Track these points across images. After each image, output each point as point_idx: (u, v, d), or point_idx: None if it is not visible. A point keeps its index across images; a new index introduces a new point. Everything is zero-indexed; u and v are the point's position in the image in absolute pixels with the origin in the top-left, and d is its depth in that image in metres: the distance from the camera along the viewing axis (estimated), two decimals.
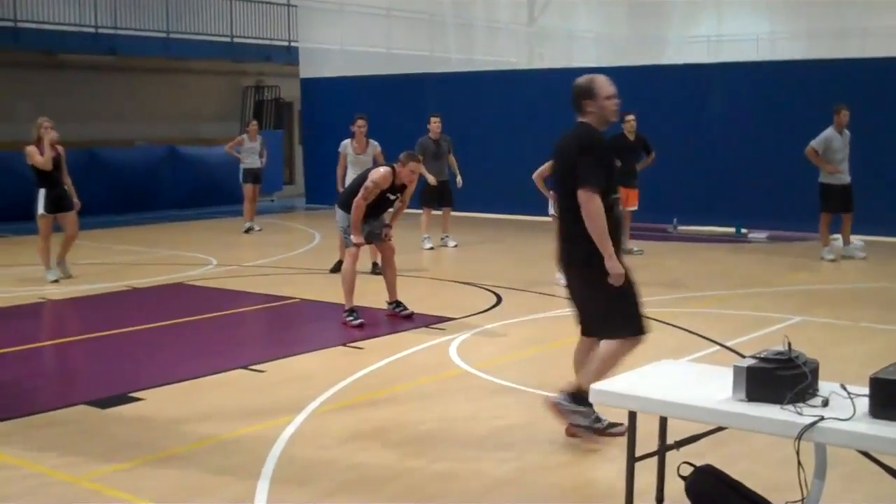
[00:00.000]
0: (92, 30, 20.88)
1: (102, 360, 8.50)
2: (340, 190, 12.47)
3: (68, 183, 11.81)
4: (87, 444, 5.98)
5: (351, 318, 9.32)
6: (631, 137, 13.64)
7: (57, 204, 11.65)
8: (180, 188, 21.41)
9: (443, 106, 16.39)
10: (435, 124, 14.71)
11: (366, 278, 12.03)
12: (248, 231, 17.14)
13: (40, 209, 11.57)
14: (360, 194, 9.24)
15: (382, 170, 9.38)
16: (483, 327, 9.22)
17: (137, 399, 6.95)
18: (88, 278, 12.16)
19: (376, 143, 12.45)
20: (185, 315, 10.02)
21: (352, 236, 9.33)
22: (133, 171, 20.42)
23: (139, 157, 21.24)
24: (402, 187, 9.49)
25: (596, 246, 5.60)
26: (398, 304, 9.65)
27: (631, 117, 13.51)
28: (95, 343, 9.01)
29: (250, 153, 17.47)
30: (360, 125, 12.38)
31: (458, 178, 14.77)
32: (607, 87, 5.90)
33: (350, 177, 12.39)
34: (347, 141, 12.50)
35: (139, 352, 8.71)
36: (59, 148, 11.74)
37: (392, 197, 9.49)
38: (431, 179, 14.12)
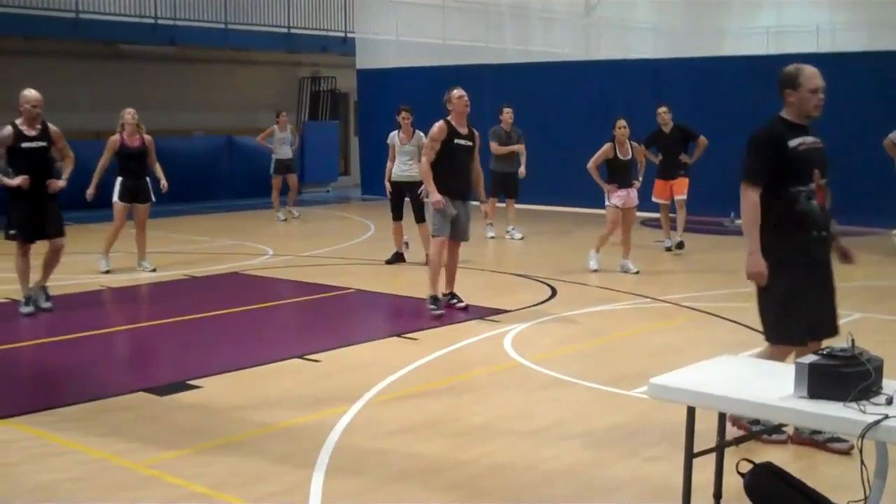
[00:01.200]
0: (151, 21, 21.10)
1: (161, 347, 8.60)
2: (387, 183, 12.52)
3: (158, 172, 11.93)
4: (147, 431, 6.05)
5: (433, 307, 9.32)
6: (666, 130, 13.30)
7: (133, 194, 11.81)
8: (237, 178, 21.60)
9: (498, 97, 16.36)
10: (507, 115, 14.84)
11: (403, 268, 12.07)
12: (282, 220, 17.38)
13: (115, 197, 11.76)
14: (423, 157, 9.42)
15: (436, 124, 9.37)
16: (538, 320, 9.19)
17: (195, 387, 7.02)
18: (133, 270, 12.31)
19: (422, 133, 12.43)
20: (242, 304, 10.10)
21: (430, 196, 9.33)
22: (191, 160, 20.63)
23: (198, 147, 21.45)
24: (470, 133, 9.36)
25: (766, 241, 5.45)
26: (453, 295, 9.64)
27: (663, 109, 13.27)
28: (154, 331, 9.12)
29: (282, 144, 17.70)
30: (404, 116, 12.37)
31: (522, 169, 14.73)
32: (814, 79, 5.54)
33: (398, 167, 12.43)
34: (395, 132, 12.52)
35: (197, 340, 8.80)
36: (147, 138, 11.89)
37: (465, 143, 9.37)
38: (498, 150, 14.62)
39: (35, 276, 9.47)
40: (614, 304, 10.08)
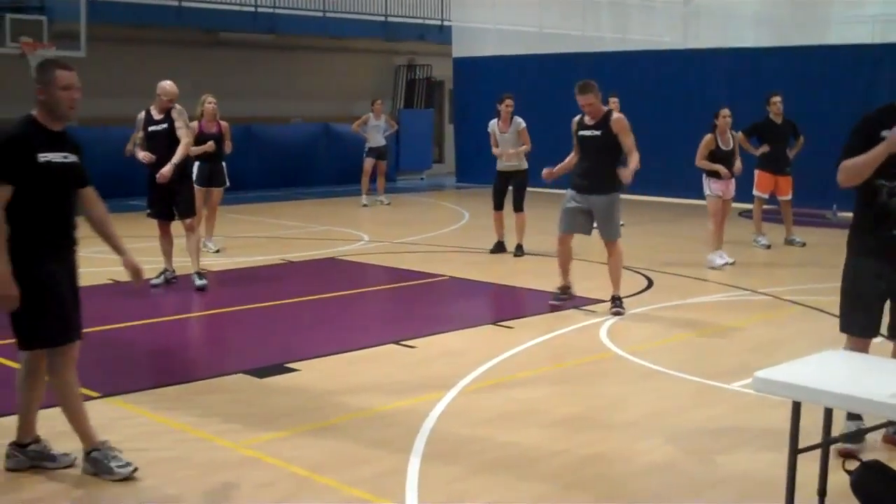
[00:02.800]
0: (252, 9, 21.41)
1: (259, 330, 8.72)
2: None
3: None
4: (246, 412, 6.15)
5: (558, 295, 9.23)
6: (777, 121, 12.94)
7: (208, 178, 12.04)
8: (334, 165, 21.80)
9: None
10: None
11: (501, 257, 12.06)
12: (364, 205, 17.50)
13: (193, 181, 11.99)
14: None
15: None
16: (634, 310, 9.09)
17: (293, 370, 7.12)
18: (245, 251, 12.53)
19: (521, 119, 12.35)
20: (338, 289, 10.21)
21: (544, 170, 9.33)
22: (289, 147, 20.92)
23: (295, 134, 21.72)
24: (604, 121, 8.89)
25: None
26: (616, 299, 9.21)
27: (778, 98, 12.87)
28: (251, 314, 9.26)
29: (375, 131, 17.84)
30: (507, 104, 12.30)
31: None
32: None
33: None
34: (494, 121, 12.46)
35: (294, 324, 8.91)
36: (223, 125, 12.10)
37: (590, 133, 8.97)
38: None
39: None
40: (712, 296, 9.92)
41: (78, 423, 5.11)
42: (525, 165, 12.40)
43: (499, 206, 12.47)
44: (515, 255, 12.12)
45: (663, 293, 9.91)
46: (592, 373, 7.21)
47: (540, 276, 10.69)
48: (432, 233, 14.47)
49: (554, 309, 9.06)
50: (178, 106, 9.93)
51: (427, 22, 24.63)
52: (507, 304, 9.55)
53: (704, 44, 20.64)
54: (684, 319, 8.94)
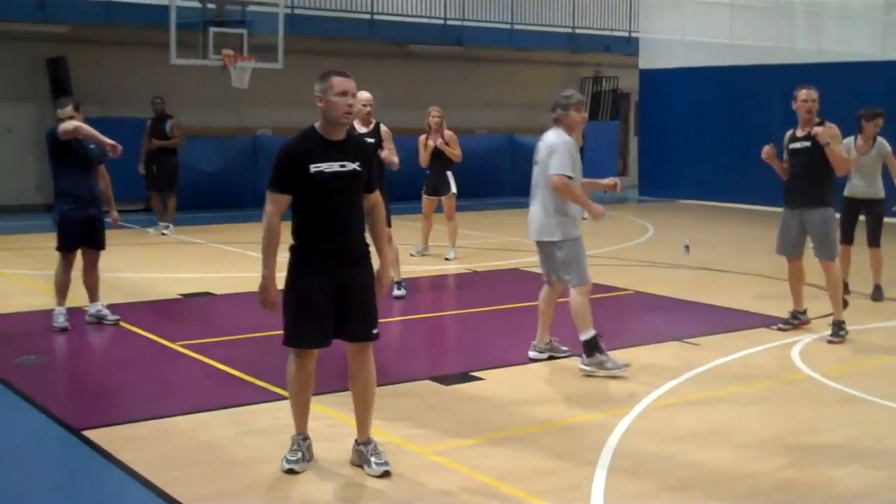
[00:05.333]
0: (441, 22, 21.76)
1: (444, 338, 8.86)
2: None
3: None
4: (432, 419, 6.26)
5: (788, 320, 8.89)
6: None
7: (434, 187, 12.45)
8: (518, 176, 21.81)
9: (788, 100, 15.70)
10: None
11: (697, 274, 11.81)
12: None
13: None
14: None
15: None
16: (828, 332, 8.73)
17: (478, 378, 7.19)
18: (429, 260, 12.74)
19: (884, 141, 10.53)
20: (521, 300, 10.23)
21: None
22: (474, 158, 21.04)
23: (480, 145, 21.89)
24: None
25: None
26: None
27: None
28: (437, 322, 9.41)
29: None
30: (878, 122, 10.48)
31: None
32: None
33: (856, 180, 10.46)
34: (850, 139, 10.44)
35: (478, 333, 9.00)
36: (448, 134, 12.54)
37: (803, 145, 8.59)
38: None
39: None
40: None
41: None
42: (881, 193, 10.47)
43: (847, 238, 10.41)
44: (874, 300, 10.38)
45: (860, 315, 9.50)
46: (784, 394, 7.00)
47: (726, 292, 10.47)
48: (616, 246, 14.35)
49: (781, 330, 8.79)
50: (383, 125, 9.76)
51: (614, 33, 24.45)
52: (693, 321, 9.37)
53: None
54: (883, 343, 8.58)
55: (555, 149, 7.23)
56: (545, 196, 7.34)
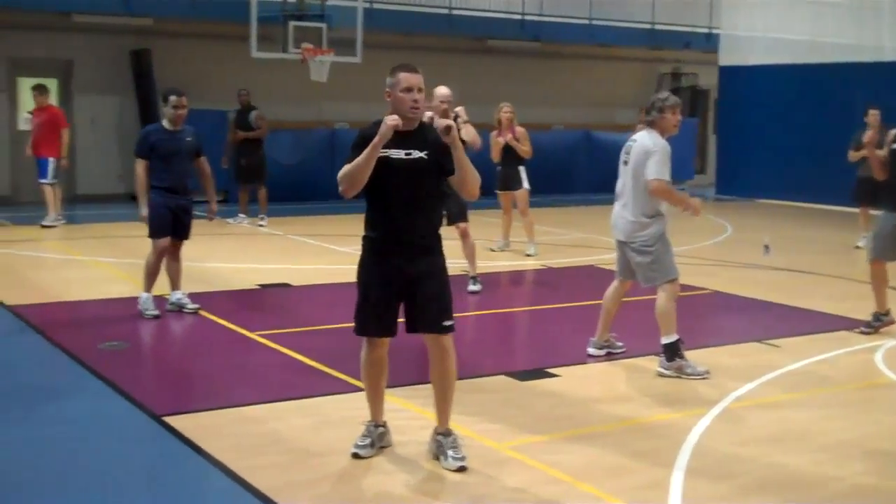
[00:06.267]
0: (519, 17, 21.70)
1: (519, 334, 8.84)
2: None
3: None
4: (508, 414, 6.25)
5: (870, 322, 8.67)
6: None
7: (505, 182, 12.52)
8: (594, 173, 21.75)
9: (873, 99, 15.37)
10: (873, 117, 12.76)
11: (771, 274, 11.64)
12: None
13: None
14: None
15: None
16: None
17: (553, 375, 7.16)
18: (507, 255, 12.73)
19: None
20: (597, 297, 10.10)
21: None
22: (550, 154, 21.02)
23: (556, 141, 21.81)
24: None
25: None
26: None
27: None
28: (512, 317, 9.39)
29: None
30: None
31: None
32: None
33: None
34: None
35: (554, 329, 8.97)
36: (518, 130, 12.53)
37: None
38: None
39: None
40: None
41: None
42: None
43: None
44: None
45: None
46: (867, 399, 6.86)
47: (806, 294, 10.30)
48: (694, 245, 14.16)
49: (864, 333, 8.60)
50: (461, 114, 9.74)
51: (694, 29, 24.15)
52: (773, 322, 9.21)
53: None
54: None
55: (651, 152, 7.16)
56: (634, 198, 7.29)
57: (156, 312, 8.74)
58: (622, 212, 7.41)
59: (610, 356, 7.68)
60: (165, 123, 8.84)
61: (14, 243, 13.11)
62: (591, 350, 7.72)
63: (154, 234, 8.80)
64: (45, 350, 7.78)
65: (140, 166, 8.70)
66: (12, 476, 5.19)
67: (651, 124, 7.29)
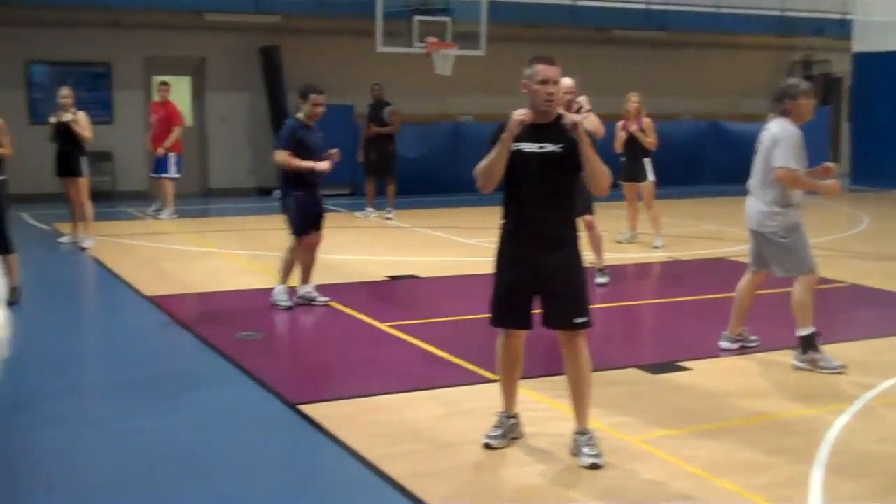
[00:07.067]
0: (644, 7, 21.41)
1: (650, 327, 8.75)
2: None
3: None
4: (640, 407, 6.20)
5: None
6: None
7: (629, 174, 12.54)
8: (722, 163, 21.35)
9: None
10: None
11: None
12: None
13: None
14: None
15: None
16: None
17: (685, 368, 7.07)
18: (634, 247, 12.61)
19: None
20: (727, 290, 9.92)
21: None
22: (677, 144, 20.69)
23: (683, 131, 21.45)
24: None
25: None
26: None
27: None
28: (642, 310, 9.30)
29: None
30: None
31: None
32: None
33: None
34: None
35: (684, 322, 8.86)
36: (644, 121, 12.45)
37: None
38: None
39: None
40: None
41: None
42: None
43: None
44: None
45: None
46: None
47: None
48: (829, 237, 13.77)
49: None
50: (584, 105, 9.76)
51: (827, 15, 23.43)
52: None
53: None
54: None
55: (778, 140, 7.01)
56: (765, 187, 7.14)
57: (290, 304, 8.93)
58: (755, 201, 7.27)
59: (743, 350, 7.54)
60: (303, 119, 8.91)
61: (153, 236, 13.57)
62: (723, 344, 7.60)
63: (303, 230, 8.90)
64: (183, 339, 8.04)
65: (285, 154, 8.73)
66: (152, 462, 5.39)
67: (784, 112, 7.12)
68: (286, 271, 9.03)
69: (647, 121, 12.45)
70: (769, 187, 7.12)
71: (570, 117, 5.13)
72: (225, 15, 18.23)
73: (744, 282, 7.56)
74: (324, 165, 8.74)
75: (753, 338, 7.63)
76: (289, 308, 8.90)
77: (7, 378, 7.36)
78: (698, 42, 22.82)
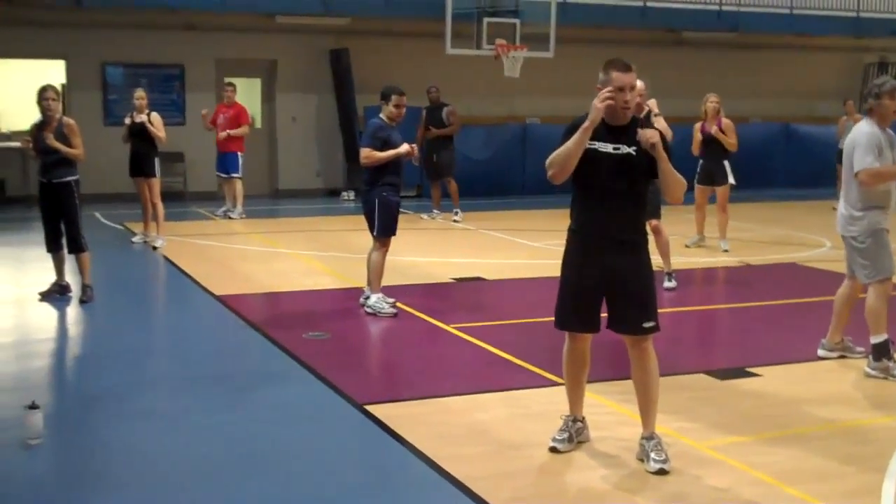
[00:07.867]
0: (716, 8, 21.17)
1: (719, 332, 8.65)
2: None
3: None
4: (708, 413, 6.13)
5: None
6: None
7: (708, 177, 12.35)
8: (793, 167, 21.05)
9: None
10: None
11: None
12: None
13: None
14: None
15: None
16: None
17: (754, 374, 6.98)
18: (703, 251, 12.47)
19: None
20: (799, 296, 9.86)
21: None
22: (748, 147, 20.35)
23: (754, 134, 21.13)
24: None
25: None
26: None
27: None
28: (711, 315, 9.19)
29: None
30: None
31: None
32: None
33: None
34: None
35: (754, 328, 8.72)
36: (724, 122, 12.30)
37: None
38: None
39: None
40: None
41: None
42: None
43: None
44: None
45: None
46: None
47: None
48: None
49: None
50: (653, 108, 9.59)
51: None
52: None
53: None
54: None
55: (857, 143, 6.89)
56: (847, 190, 7.05)
57: (394, 310, 8.79)
58: (842, 205, 7.16)
59: (843, 360, 7.39)
60: (385, 120, 8.87)
61: (223, 236, 13.75)
62: (820, 352, 7.45)
63: (390, 232, 8.85)
64: (252, 338, 8.13)
65: (370, 151, 8.65)
66: (221, 458, 5.46)
67: (869, 112, 6.99)
68: (378, 276, 8.89)
69: (726, 121, 12.29)
70: (850, 190, 7.02)
71: (647, 138, 5.06)
72: (295, 17, 18.39)
73: (842, 288, 7.42)
74: (406, 148, 8.72)
75: (860, 349, 7.39)
76: (394, 315, 8.78)
77: (79, 374, 7.52)
78: (770, 44, 22.51)
